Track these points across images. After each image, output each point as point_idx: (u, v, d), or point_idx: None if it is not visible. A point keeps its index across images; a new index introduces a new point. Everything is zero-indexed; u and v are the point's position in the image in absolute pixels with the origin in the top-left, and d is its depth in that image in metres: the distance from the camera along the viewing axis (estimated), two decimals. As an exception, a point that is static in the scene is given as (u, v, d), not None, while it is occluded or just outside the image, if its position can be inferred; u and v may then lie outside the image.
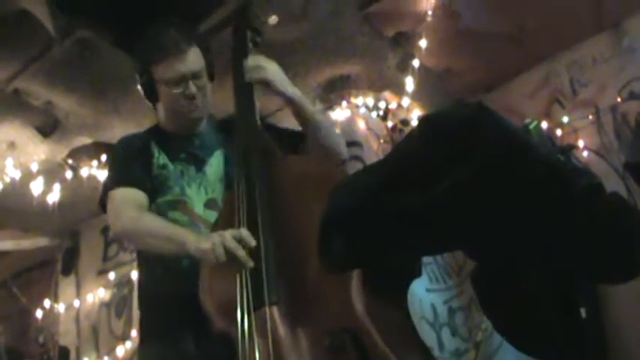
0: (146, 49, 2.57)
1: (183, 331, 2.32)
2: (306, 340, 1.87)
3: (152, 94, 2.59)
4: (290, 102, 2.55)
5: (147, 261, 2.54)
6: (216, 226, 2.31)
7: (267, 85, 2.52)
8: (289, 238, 2.06)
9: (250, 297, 1.94)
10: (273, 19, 2.75)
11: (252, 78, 2.51)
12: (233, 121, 2.52)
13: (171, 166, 2.56)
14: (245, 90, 2.52)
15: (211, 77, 2.62)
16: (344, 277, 1.88)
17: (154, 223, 2.34)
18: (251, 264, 1.98)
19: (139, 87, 2.62)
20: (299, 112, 2.57)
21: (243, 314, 1.92)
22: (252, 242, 2.00)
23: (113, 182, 2.51)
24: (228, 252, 2.00)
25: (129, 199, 2.45)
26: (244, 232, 2.02)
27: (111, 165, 2.71)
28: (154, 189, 2.51)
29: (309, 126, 2.58)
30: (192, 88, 2.51)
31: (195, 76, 2.52)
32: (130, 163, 2.55)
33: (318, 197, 1.93)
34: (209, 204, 2.51)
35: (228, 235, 2.02)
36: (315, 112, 2.63)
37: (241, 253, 1.98)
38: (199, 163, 2.58)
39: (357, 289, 1.88)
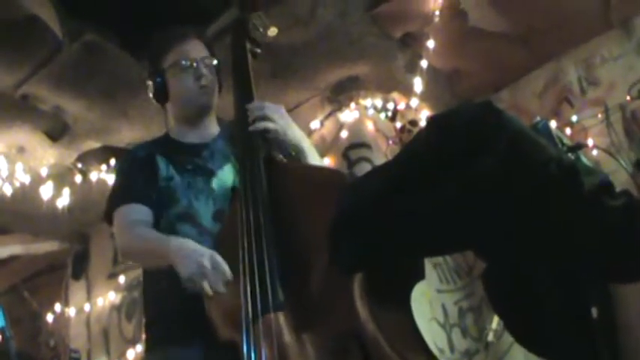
0: (156, 43, 2.67)
1: (190, 340, 2.31)
2: (311, 345, 1.87)
3: (162, 90, 2.61)
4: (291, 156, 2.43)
5: (152, 271, 2.52)
6: (220, 237, 2.32)
7: (269, 133, 2.39)
8: (292, 244, 2.05)
9: (255, 304, 1.94)
10: (272, 31, 2.73)
11: (255, 128, 2.39)
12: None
13: (177, 178, 2.52)
14: (245, 100, 2.51)
15: (219, 85, 2.67)
16: (347, 281, 1.87)
17: (145, 242, 2.36)
18: (210, 293, 2.02)
19: (149, 86, 2.64)
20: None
21: (248, 321, 1.92)
22: (228, 275, 2.03)
23: (117, 200, 2.51)
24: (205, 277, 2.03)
25: (130, 218, 2.45)
26: (222, 267, 2.04)
27: (115, 181, 2.70)
28: (162, 201, 2.49)
29: None
30: (202, 68, 2.56)
31: (203, 60, 2.59)
32: (134, 178, 2.53)
33: (319, 203, 1.94)
34: (217, 216, 2.46)
35: (207, 261, 2.04)
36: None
37: (206, 284, 2.02)
38: (207, 175, 2.54)
39: (360, 293, 1.87)
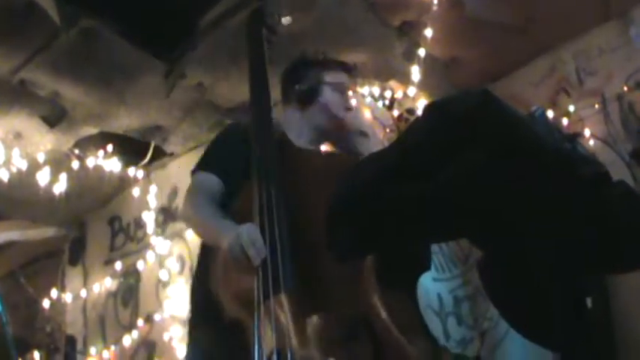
0: (322, 57, 2.83)
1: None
2: (320, 327, 1.88)
3: (313, 94, 2.70)
4: None
5: (206, 255, 2.53)
6: (232, 212, 2.33)
7: None
8: (305, 227, 2.08)
9: (266, 284, 1.94)
10: (287, 19, 2.78)
11: None
12: None
13: None
14: (260, 84, 2.53)
15: None
16: (357, 266, 1.90)
17: (206, 214, 2.38)
18: (258, 262, 1.98)
19: (299, 89, 2.73)
20: None
21: (259, 301, 1.93)
22: (263, 251, 2.01)
23: (200, 164, 2.59)
24: (242, 249, 2.01)
25: (202, 186, 2.50)
26: (259, 240, 2.03)
27: (212, 144, 2.74)
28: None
29: None
30: (352, 103, 2.75)
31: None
32: (223, 150, 2.61)
33: (331, 187, 1.94)
34: None
35: (245, 233, 2.03)
36: None
37: (252, 252, 1.99)
38: None
39: (370, 277, 1.89)
